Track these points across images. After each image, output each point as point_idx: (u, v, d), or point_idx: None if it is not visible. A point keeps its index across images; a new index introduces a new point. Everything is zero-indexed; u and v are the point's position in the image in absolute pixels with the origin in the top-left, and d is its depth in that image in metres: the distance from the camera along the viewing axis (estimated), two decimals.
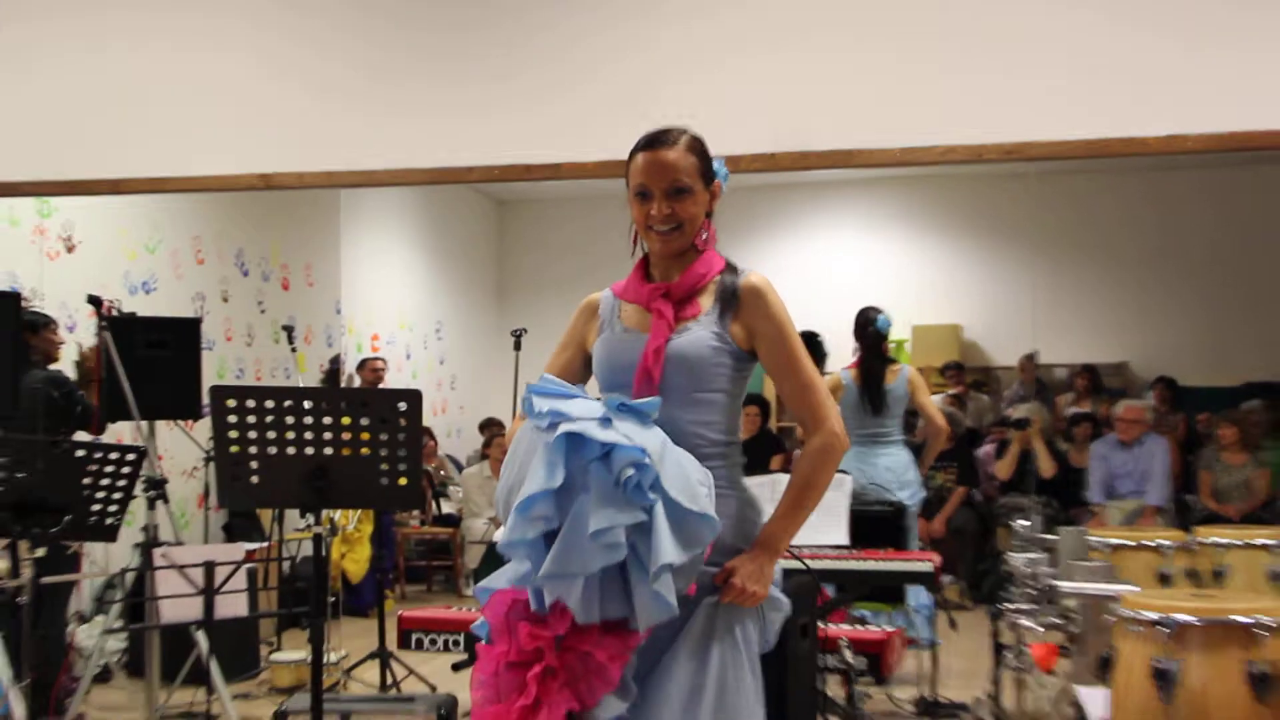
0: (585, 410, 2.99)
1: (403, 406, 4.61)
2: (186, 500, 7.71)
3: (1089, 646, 5.02)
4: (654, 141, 3.26)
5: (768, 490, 3.49)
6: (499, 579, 3.15)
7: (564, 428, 2.90)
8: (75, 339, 7.20)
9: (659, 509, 2.90)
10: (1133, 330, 10.05)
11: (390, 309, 9.63)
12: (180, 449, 7.31)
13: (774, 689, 3.96)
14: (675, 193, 3.23)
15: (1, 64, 6.68)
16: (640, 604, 2.94)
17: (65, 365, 7.14)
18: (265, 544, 7.62)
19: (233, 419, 4.56)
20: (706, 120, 3.42)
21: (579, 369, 3.45)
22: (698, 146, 3.28)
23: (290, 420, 4.57)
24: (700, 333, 3.23)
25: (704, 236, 3.33)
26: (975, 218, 10.47)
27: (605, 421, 2.96)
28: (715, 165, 3.32)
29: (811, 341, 7.94)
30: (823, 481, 3.29)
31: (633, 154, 3.28)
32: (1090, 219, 9.90)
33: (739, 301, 3.26)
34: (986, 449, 9.55)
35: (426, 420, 8.45)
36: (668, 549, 2.87)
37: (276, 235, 8.62)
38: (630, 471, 2.86)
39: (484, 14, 6.25)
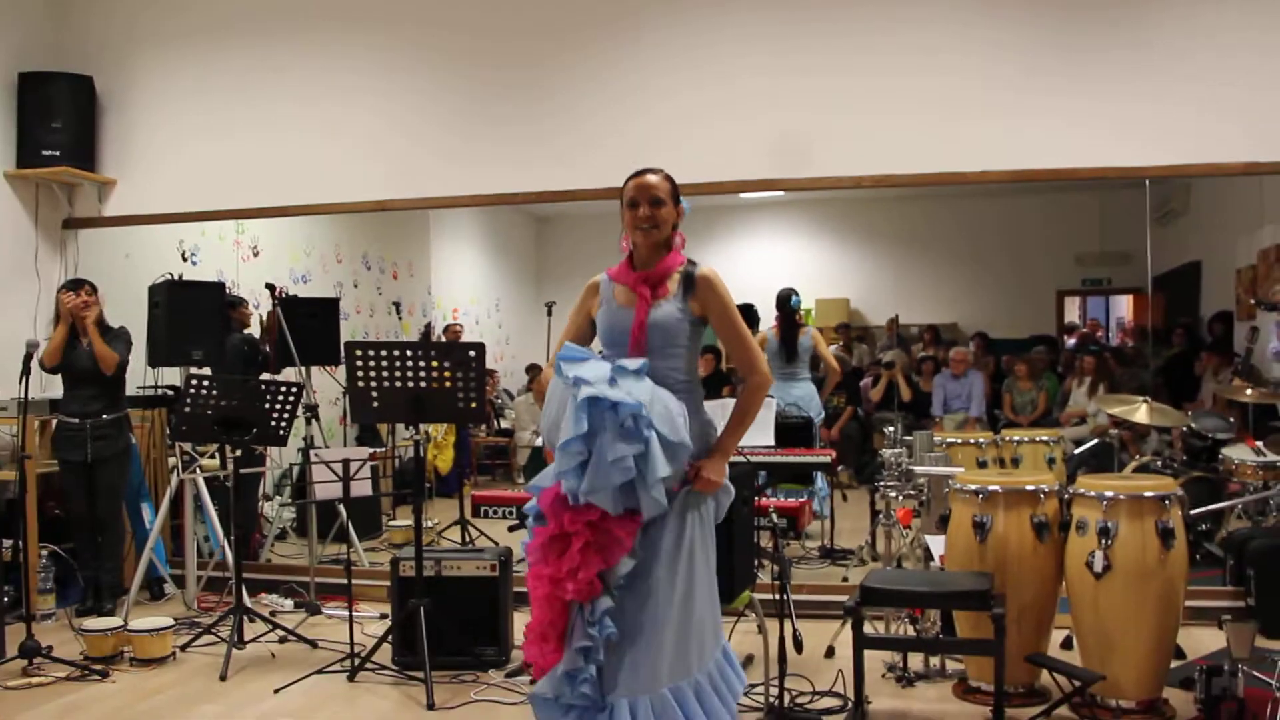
0: (597, 374, 3.06)
1: (472, 354, 4.63)
2: (332, 420, 7.70)
3: (933, 508, 5.04)
4: (642, 172, 3.35)
5: (720, 410, 3.53)
6: (545, 479, 3.22)
7: (585, 392, 2.99)
8: (259, 313, 7.20)
9: (654, 441, 3.00)
10: (960, 301, 10.06)
11: (465, 291, 9.60)
12: (327, 385, 7.31)
13: (724, 542, 3.99)
14: (654, 203, 3.30)
15: (209, 139, 6.75)
16: (644, 503, 3.04)
17: (254, 330, 7.16)
18: (383, 449, 7.63)
19: (360, 364, 4.57)
20: (669, 159, 3.46)
21: (587, 330, 3.48)
22: (670, 179, 3.37)
23: (398, 364, 4.58)
24: (669, 307, 3.29)
25: (679, 241, 3.39)
26: (857, 227, 10.47)
27: (612, 381, 3.04)
28: (681, 198, 3.37)
29: (749, 310, 7.97)
30: (755, 409, 3.40)
31: (628, 180, 3.35)
32: (933, 228, 9.90)
33: (696, 286, 3.32)
34: (866, 381, 9.54)
35: (490, 365, 8.45)
36: (660, 468, 3.00)
37: (388, 242, 8.59)
38: (630, 421, 2.97)
39: (525, 89, 6.27)
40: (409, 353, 4.56)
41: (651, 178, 3.32)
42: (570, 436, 3.01)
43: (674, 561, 3.17)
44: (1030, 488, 4.34)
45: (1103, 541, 4.11)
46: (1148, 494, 4.14)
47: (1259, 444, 5.91)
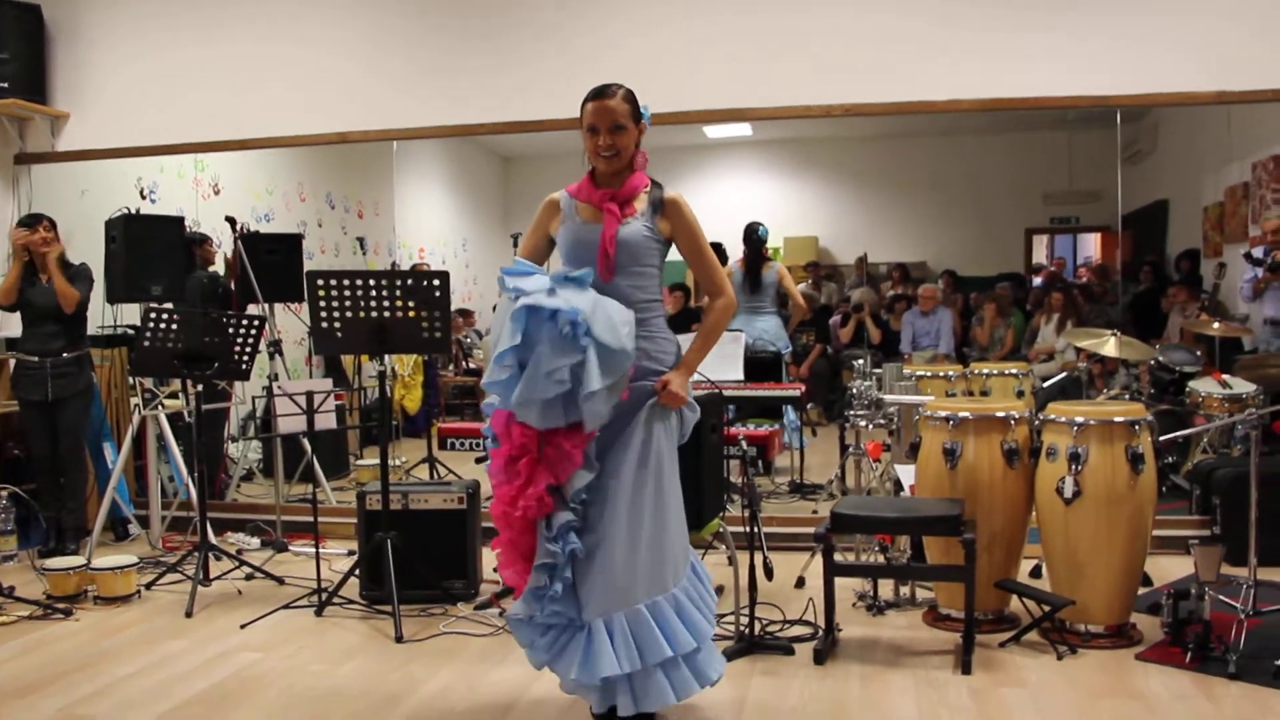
0: (537, 285, 3.02)
1: (436, 283, 4.53)
2: (297, 360, 7.59)
3: (903, 438, 5.02)
4: (600, 93, 3.26)
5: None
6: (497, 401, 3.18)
7: (522, 301, 2.96)
8: (222, 252, 7.07)
9: (591, 351, 2.94)
10: (929, 239, 10.05)
11: (431, 230, 9.46)
12: (292, 325, 7.20)
13: (694, 469, 3.95)
14: (615, 129, 3.23)
15: (164, 70, 6.59)
16: (585, 414, 3.01)
17: (218, 268, 7.03)
18: (350, 391, 7.52)
19: (323, 293, 4.48)
20: (635, 88, 3.35)
21: (544, 248, 3.43)
22: (630, 97, 3.28)
23: (361, 294, 4.49)
24: (637, 226, 3.25)
25: (640, 159, 3.33)
26: (826, 166, 10.41)
27: (551, 291, 3.00)
28: (642, 109, 3.29)
29: (717, 248, 7.91)
30: (721, 327, 3.37)
31: (585, 101, 3.27)
32: (901, 167, 9.87)
33: (664, 208, 3.28)
34: (835, 319, 9.54)
35: (458, 305, 8.34)
36: (594, 380, 2.94)
37: (352, 180, 8.45)
38: (568, 327, 2.93)
39: (489, 25, 6.14)
40: (371, 282, 4.46)
41: (610, 102, 3.22)
42: (504, 348, 2.97)
43: (642, 475, 3.16)
44: (1001, 414, 4.31)
45: (1073, 467, 4.09)
46: (1118, 419, 4.12)
47: (1225, 377, 5.93)
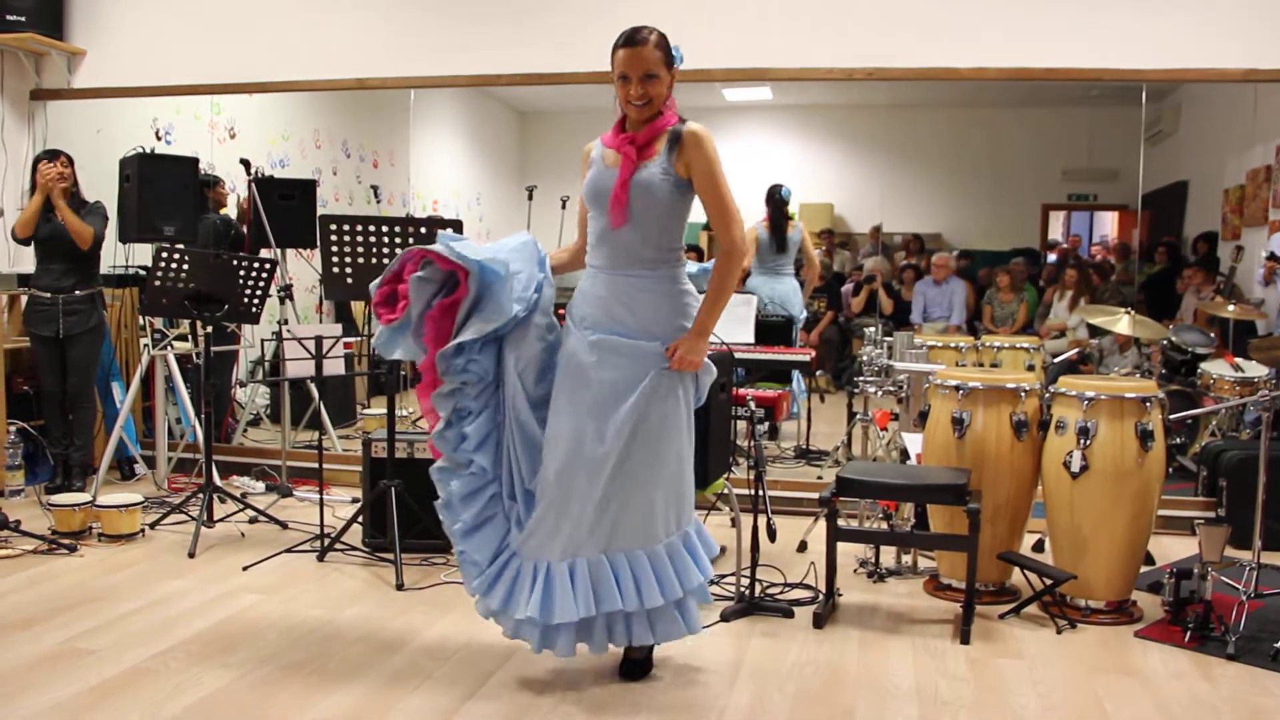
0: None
1: (449, 232, 4.48)
2: (308, 308, 7.57)
3: (912, 406, 4.99)
4: (631, 39, 3.17)
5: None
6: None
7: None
8: (236, 195, 7.03)
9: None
10: (945, 211, 9.99)
11: (446, 183, 9.40)
12: (304, 272, 7.17)
13: (701, 429, 3.92)
14: (647, 78, 3.15)
15: (184, 9, 6.50)
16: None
17: (230, 211, 6.99)
18: (359, 337, 7.50)
19: (335, 238, 4.44)
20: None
21: None
22: (663, 43, 3.20)
23: (373, 240, 4.46)
24: (653, 168, 3.17)
25: (671, 104, 3.25)
26: (844, 134, 10.33)
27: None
28: (674, 51, 3.22)
29: None
30: (730, 281, 3.24)
31: (616, 47, 3.19)
32: (920, 137, 9.78)
33: (681, 144, 3.18)
34: (847, 287, 9.52)
35: None
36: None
37: (369, 130, 8.40)
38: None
39: None
40: (384, 228, 4.42)
41: (642, 50, 3.13)
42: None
43: (631, 437, 3.15)
44: (1011, 385, 4.28)
45: (1081, 441, 4.06)
46: (1129, 395, 4.08)
47: (1237, 360, 5.88)
